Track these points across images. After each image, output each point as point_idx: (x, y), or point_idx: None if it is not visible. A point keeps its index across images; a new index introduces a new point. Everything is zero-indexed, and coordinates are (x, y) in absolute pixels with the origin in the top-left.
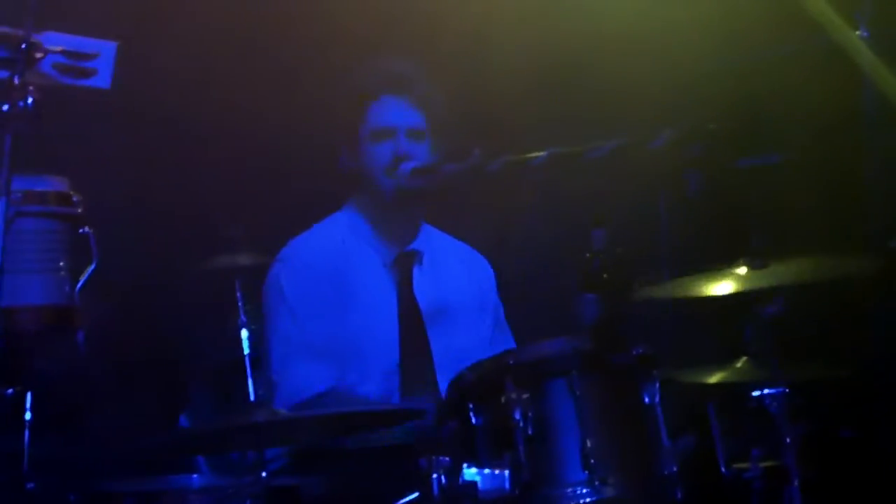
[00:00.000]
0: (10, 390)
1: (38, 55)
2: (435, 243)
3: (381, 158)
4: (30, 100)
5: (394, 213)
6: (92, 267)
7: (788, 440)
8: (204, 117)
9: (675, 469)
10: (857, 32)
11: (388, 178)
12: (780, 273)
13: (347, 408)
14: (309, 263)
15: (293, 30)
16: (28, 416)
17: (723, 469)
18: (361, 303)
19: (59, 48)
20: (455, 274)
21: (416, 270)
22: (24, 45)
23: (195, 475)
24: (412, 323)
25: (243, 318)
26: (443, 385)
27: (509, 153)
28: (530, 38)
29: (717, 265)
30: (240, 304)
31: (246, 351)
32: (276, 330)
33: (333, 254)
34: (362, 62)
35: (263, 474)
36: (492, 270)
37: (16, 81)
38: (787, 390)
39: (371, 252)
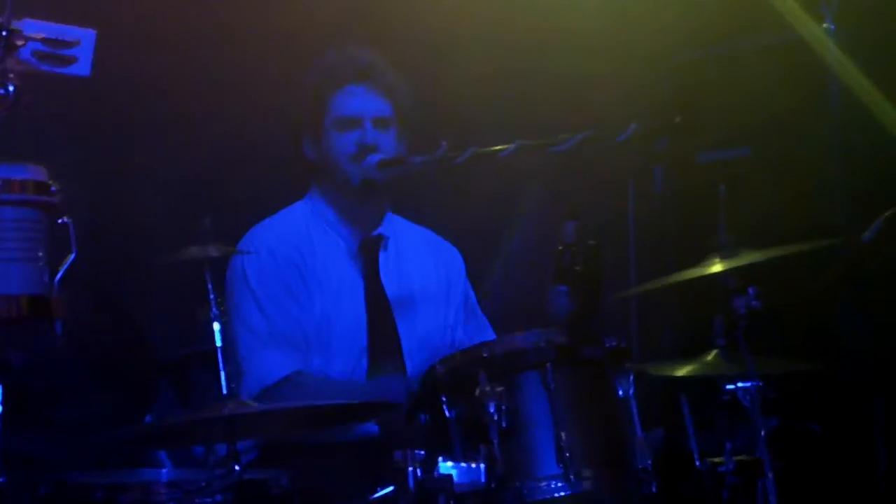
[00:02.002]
0: None
1: (19, 43)
2: (400, 229)
3: (346, 147)
4: (10, 87)
5: (359, 201)
6: (71, 257)
7: (763, 433)
8: (170, 107)
9: (649, 463)
10: (824, 25)
11: (353, 166)
12: (751, 264)
13: (318, 400)
14: (272, 251)
15: (258, 20)
16: None
17: (697, 463)
18: (327, 289)
19: (39, 36)
20: (421, 259)
21: (381, 255)
22: (3, 33)
23: (164, 469)
24: (379, 308)
25: (215, 310)
26: (410, 370)
27: (476, 145)
28: (495, 33)
29: (688, 257)
30: (211, 296)
31: (218, 343)
32: (242, 319)
33: (297, 241)
34: (326, 52)
35: (237, 467)
36: (460, 256)
37: None
38: (761, 384)
39: (336, 238)
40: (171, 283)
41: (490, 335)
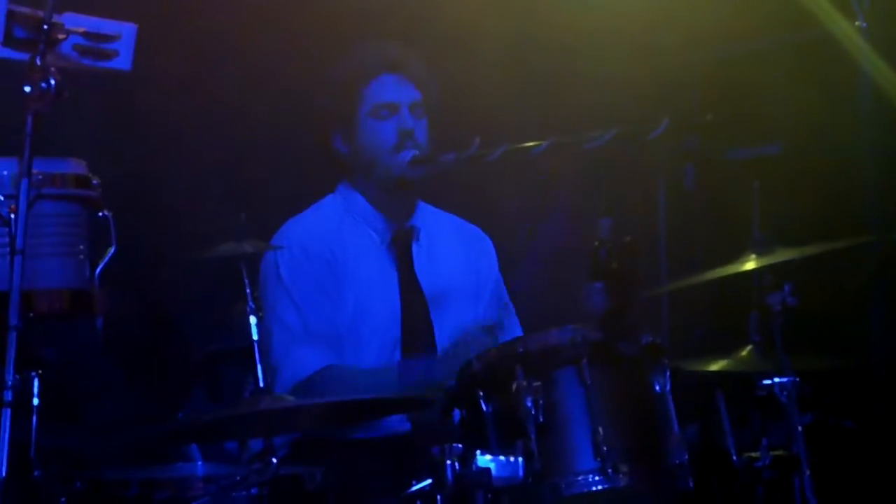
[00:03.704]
0: (34, 374)
1: (60, 37)
2: (432, 219)
3: (387, 137)
4: (51, 81)
5: (392, 193)
6: (111, 251)
7: (800, 429)
8: (204, 102)
9: (686, 458)
10: (857, 23)
11: (393, 157)
12: (787, 261)
13: (353, 395)
14: (305, 247)
15: (289, 17)
16: (35, 402)
17: (734, 458)
18: (359, 283)
19: (80, 29)
20: (453, 249)
21: (414, 246)
22: (45, 27)
23: (199, 462)
24: (413, 300)
25: (251, 304)
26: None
27: (509, 142)
28: (525, 31)
29: (718, 253)
30: (247, 290)
31: (255, 337)
32: (276, 316)
33: (330, 235)
34: (355, 46)
35: (274, 461)
36: (491, 244)
37: (37, 63)
38: (797, 380)
39: (369, 231)
40: (201, 279)
41: (518, 331)
